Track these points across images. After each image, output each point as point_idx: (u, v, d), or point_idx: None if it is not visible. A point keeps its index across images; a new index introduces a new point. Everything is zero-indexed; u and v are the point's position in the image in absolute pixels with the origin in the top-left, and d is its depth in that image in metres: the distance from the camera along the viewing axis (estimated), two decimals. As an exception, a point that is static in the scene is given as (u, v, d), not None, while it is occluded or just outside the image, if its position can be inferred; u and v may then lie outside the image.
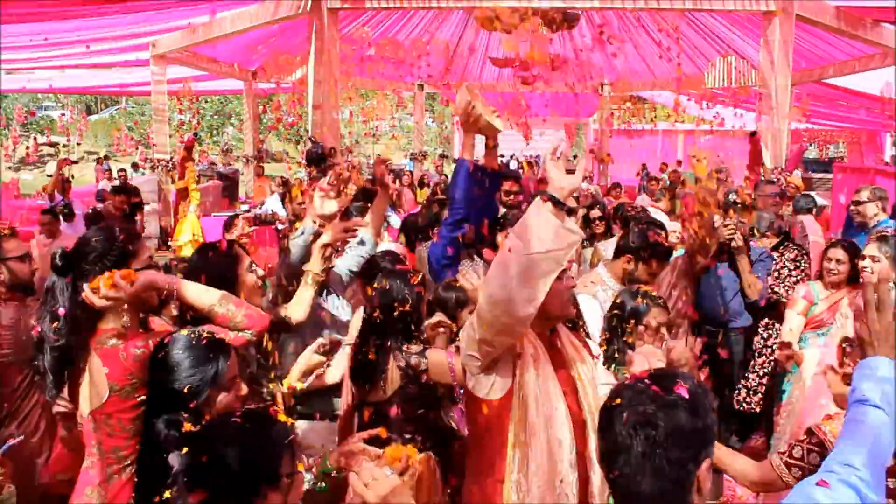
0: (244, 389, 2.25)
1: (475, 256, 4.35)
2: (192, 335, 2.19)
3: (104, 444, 2.25)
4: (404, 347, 2.89)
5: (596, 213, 6.36)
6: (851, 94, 14.68)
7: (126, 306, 2.31)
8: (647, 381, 1.55)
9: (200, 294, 2.42)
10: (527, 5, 9.95)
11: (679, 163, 22.93)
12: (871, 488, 1.61)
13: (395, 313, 2.93)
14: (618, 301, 3.27)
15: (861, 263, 4.06)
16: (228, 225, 6.46)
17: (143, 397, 2.21)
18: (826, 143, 23.09)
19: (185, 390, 2.09)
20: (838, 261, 4.51)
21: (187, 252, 8.27)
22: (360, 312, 3.56)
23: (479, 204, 4.45)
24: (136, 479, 2.16)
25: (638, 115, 19.62)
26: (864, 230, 5.63)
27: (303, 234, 3.52)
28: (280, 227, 9.52)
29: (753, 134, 9.52)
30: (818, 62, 13.02)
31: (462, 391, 3.11)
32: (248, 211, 10.92)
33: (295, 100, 14.03)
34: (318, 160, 7.67)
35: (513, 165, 22.37)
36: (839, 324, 4.16)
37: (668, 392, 1.52)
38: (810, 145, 24.43)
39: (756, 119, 10.24)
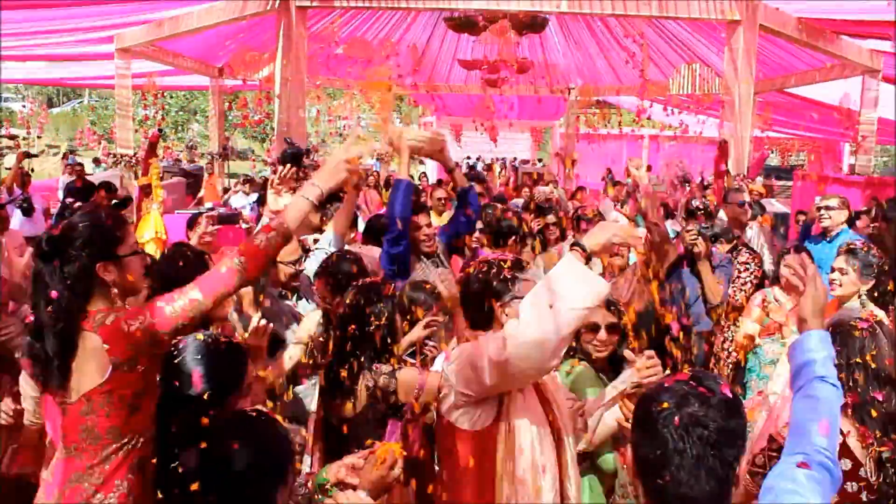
0: (259, 395, 2.24)
1: (439, 263, 4.36)
2: (210, 339, 2.17)
3: (100, 426, 2.20)
4: (374, 367, 2.83)
5: (551, 218, 6.34)
6: (812, 103, 14.95)
7: (116, 291, 2.30)
8: (691, 382, 1.55)
9: (300, 214, 2.41)
10: (495, 8, 9.99)
11: (649, 168, 23.14)
12: (836, 464, 1.75)
13: (370, 328, 2.87)
14: None
15: (830, 276, 4.14)
16: (192, 223, 6.37)
17: (143, 367, 2.18)
18: (788, 151, 23.44)
19: (206, 396, 2.06)
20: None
21: (149, 250, 8.15)
22: (316, 315, 3.55)
23: (457, 220, 4.50)
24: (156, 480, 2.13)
25: (604, 120, 19.78)
26: (825, 237, 5.74)
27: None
28: (245, 225, 9.43)
29: (723, 142, 9.66)
30: (780, 71, 13.26)
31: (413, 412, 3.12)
32: (212, 209, 10.81)
33: (262, 97, 13.94)
34: (293, 160, 7.65)
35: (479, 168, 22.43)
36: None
37: (714, 393, 1.53)
38: (772, 153, 24.81)
39: (719, 126, 10.40)
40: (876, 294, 3.85)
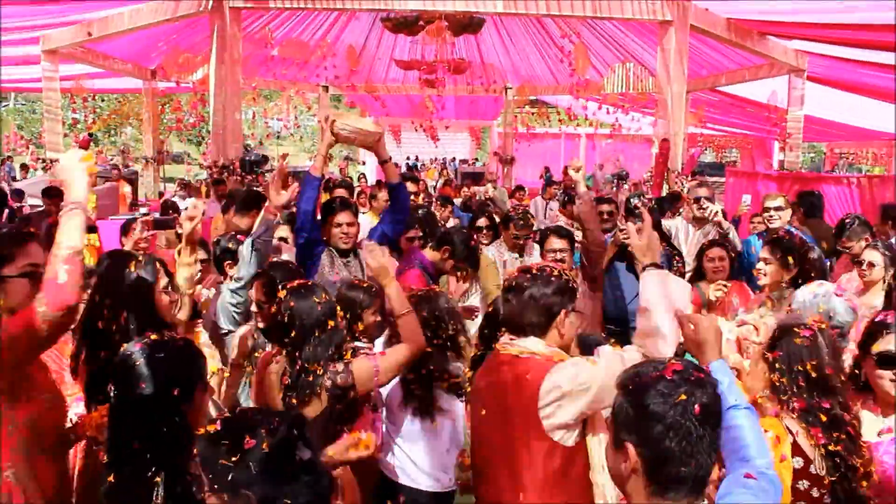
0: (213, 391, 2.21)
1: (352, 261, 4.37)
2: (168, 340, 2.14)
3: None
4: (330, 367, 2.79)
5: (483, 221, 6.33)
6: (742, 101, 15.34)
7: None
8: (693, 371, 1.61)
9: (74, 229, 2.24)
10: (431, 9, 10.01)
11: (601, 167, 23.43)
12: (777, 478, 1.87)
13: (328, 329, 2.84)
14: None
15: (757, 266, 4.23)
16: (125, 229, 6.21)
17: None
18: (721, 148, 23.99)
19: (175, 393, 2.03)
20: (720, 258, 4.75)
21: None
22: (242, 330, 3.47)
23: (388, 219, 4.50)
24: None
25: (543, 118, 19.97)
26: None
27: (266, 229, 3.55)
28: (180, 230, 9.25)
29: (665, 140, 9.83)
30: (711, 70, 13.58)
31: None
32: (147, 214, 10.58)
33: (196, 100, 13.70)
34: (252, 167, 7.61)
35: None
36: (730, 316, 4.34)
37: (709, 378, 1.63)
38: (706, 150, 25.36)
39: (653, 124, 10.60)
40: (799, 282, 3.95)
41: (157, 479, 1.95)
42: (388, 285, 2.98)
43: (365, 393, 2.88)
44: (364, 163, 25.18)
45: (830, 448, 2.41)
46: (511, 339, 2.48)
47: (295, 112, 18.80)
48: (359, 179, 17.89)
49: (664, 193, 9.49)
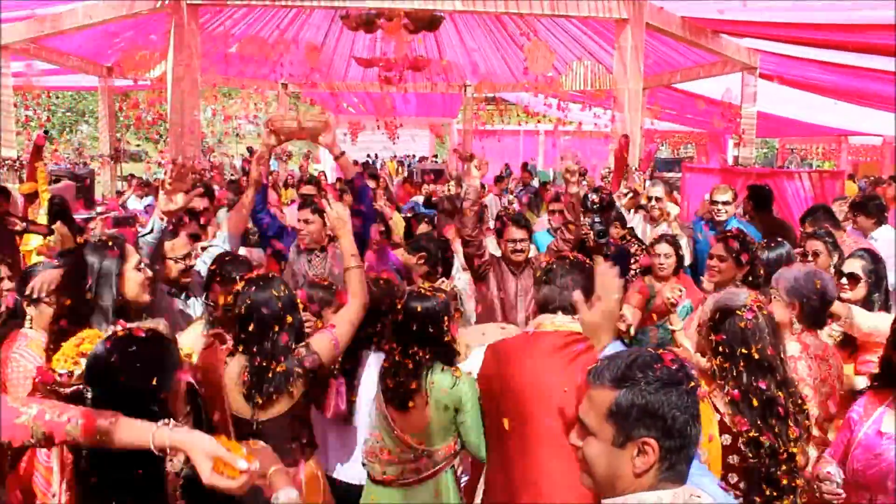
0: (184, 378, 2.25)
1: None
2: (144, 332, 2.15)
3: None
4: (293, 354, 2.78)
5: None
6: (697, 98, 15.58)
7: None
8: (674, 361, 1.64)
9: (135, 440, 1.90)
10: (389, 6, 10.02)
11: (579, 164, 23.48)
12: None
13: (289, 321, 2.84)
14: None
15: (709, 262, 4.33)
16: (81, 229, 6.15)
17: None
18: (677, 144, 24.27)
19: (154, 383, 2.03)
20: (665, 255, 4.85)
21: (38, 258, 7.81)
22: (198, 327, 3.44)
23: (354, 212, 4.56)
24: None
25: (503, 115, 20.01)
26: (715, 229, 5.99)
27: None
28: (141, 229, 9.16)
29: (625, 136, 9.94)
30: (666, 68, 13.77)
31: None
32: (107, 213, 10.45)
33: (155, 97, 13.48)
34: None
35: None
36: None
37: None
38: (662, 145, 25.66)
39: (611, 120, 10.72)
40: (750, 279, 4.06)
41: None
42: (343, 237, 3.03)
43: (330, 366, 2.91)
44: (319, 161, 25.05)
45: (752, 435, 2.51)
46: (574, 317, 2.69)
47: (255, 110, 18.64)
48: (318, 177, 17.81)
49: (621, 189, 9.60)
